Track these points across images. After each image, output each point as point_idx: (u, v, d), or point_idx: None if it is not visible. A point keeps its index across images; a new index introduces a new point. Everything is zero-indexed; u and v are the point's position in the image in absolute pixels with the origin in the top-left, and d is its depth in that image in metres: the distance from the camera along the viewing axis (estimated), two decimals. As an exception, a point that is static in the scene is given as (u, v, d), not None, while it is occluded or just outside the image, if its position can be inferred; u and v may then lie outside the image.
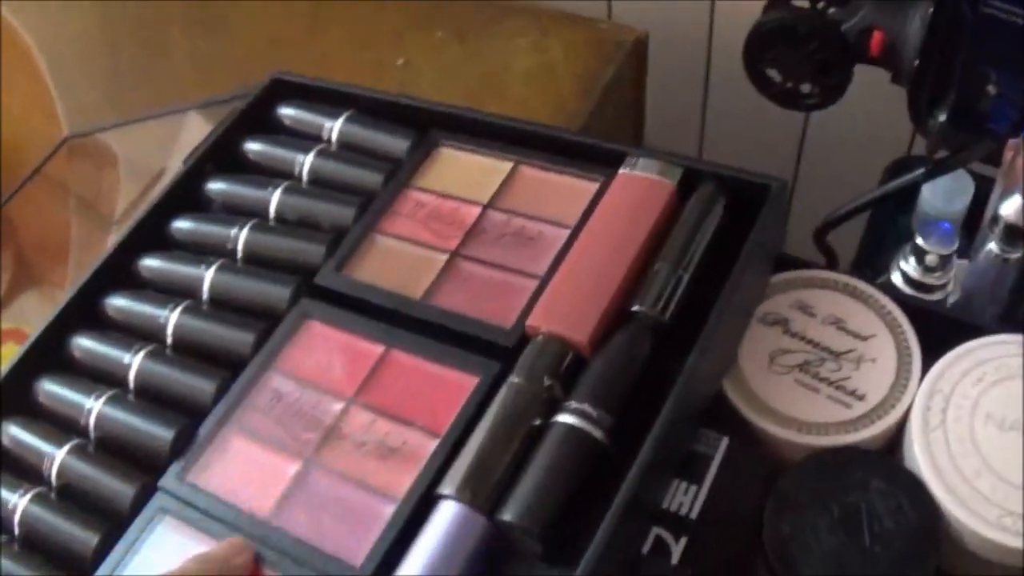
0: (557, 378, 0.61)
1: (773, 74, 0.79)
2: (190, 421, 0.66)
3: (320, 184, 0.74)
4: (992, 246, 0.76)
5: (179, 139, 1.06)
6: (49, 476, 0.68)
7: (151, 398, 0.69)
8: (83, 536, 0.65)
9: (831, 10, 0.75)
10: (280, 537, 0.59)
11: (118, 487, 0.66)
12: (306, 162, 0.75)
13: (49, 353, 0.73)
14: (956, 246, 0.78)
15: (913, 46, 0.70)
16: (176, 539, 0.62)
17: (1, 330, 1.00)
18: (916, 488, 0.63)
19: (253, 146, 0.78)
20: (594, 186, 0.67)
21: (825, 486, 0.63)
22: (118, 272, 0.76)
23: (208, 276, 0.73)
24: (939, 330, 0.69)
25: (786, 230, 0.74)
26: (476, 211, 0.69)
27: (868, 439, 0.66)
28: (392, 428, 0.61)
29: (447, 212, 0.70)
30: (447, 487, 0.57)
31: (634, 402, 0.60)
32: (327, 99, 0.78)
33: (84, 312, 0.75)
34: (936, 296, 0.80)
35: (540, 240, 0.69)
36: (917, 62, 0.70)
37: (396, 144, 0.74)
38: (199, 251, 0.72)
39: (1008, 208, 0.72)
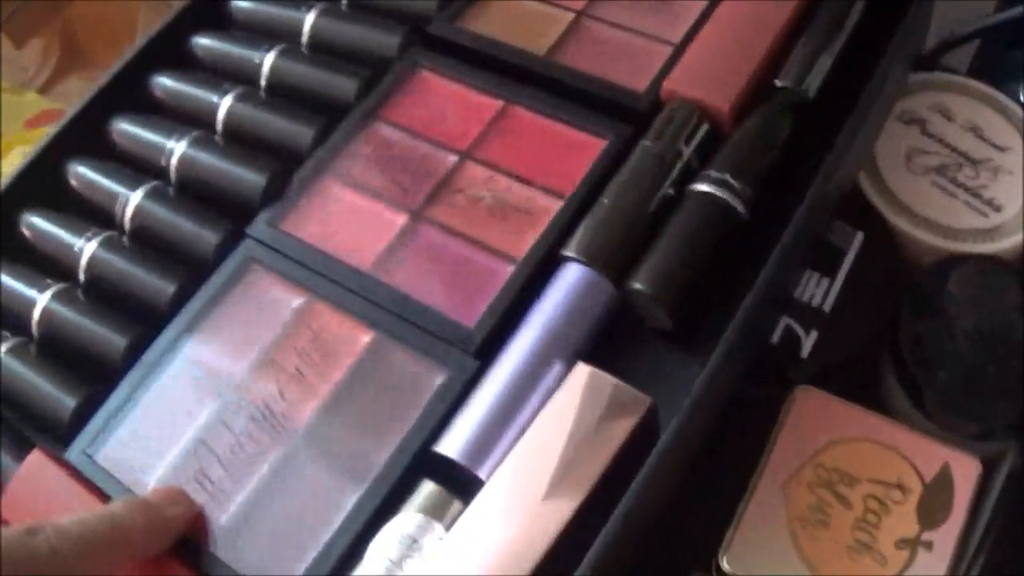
0: (693, 147, 0.53)
1: None
2: (285, 167, 0.61)
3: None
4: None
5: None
6: (122, 220, 0.62)
7: (242, 142, 0.64)
8: (159, 284, 0.59)
9: None
10: (382, 292, 0.54)
11: (201, 233, 0.60)
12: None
13: (129, 93, 0.68)
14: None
15: None
16: (266, 291, 0.58)
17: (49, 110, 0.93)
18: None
19: None
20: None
21: (963, 293, 0.59)
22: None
23: (309, 19, 0.66)
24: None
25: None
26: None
27: (1007, 250, 0.62)
28: (512, 185, 0.55)
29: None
30: (573, 248, 0.52)
31: (772, 181, 0.55)
32: None
33: (168, 53, 0.69)
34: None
35: (674, 5, 0.63)
36: None
37: None
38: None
39: None
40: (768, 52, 0.58)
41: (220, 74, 0.67)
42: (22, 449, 0.54)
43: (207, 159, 0.62)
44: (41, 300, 0.60)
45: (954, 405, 0.56)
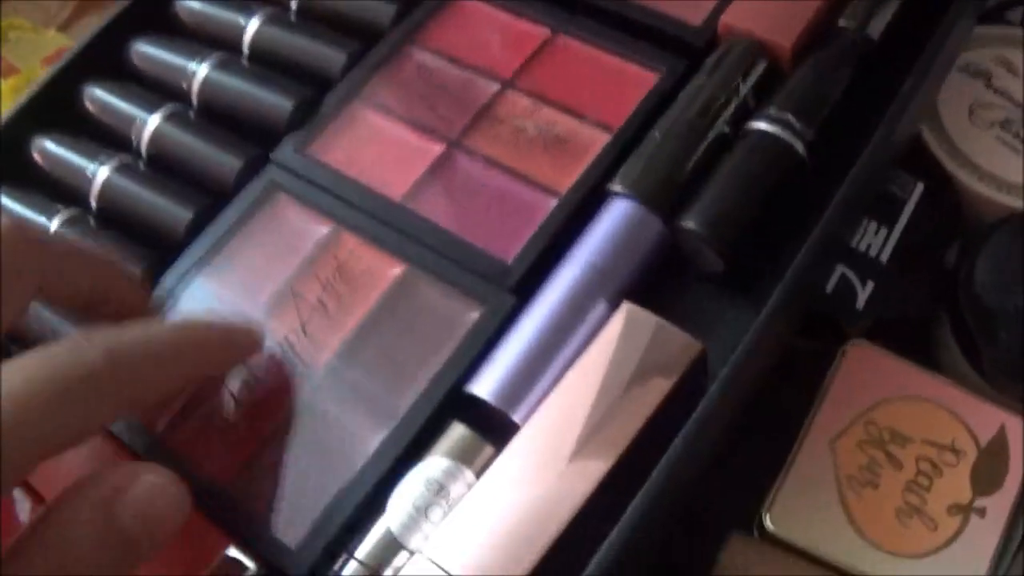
0: (751, 84, 0.50)
1: None
2: (314, 93, 0.58)
3: None
4: None
5: None
6: (139, 144, 0.59)
7: (270, 65, 0.60)
8: (176, 211, 0.56)
9: None
10: (415, 223, 0.51)
11: (222, 157, 0.57)
12: None
13: (151, 16, 0.65)
14: None
15: None
16: (290, 219, 0.55)
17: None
18: None
19: None
20: None
21: (1027, 252, 0.53)
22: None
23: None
24: None
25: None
26: None
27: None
28: (557, 117, 0.52)
29: None
30: (621, 183, 0.49)
31: (834, 125, 0.52)
32: None
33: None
34: None
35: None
36: None
37: None
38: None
39: None
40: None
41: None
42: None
43: (232, 82, 0.59)
44: (50, 228, 0.57)
45: (1013, 367, 0.52)
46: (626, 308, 0.45)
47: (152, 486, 0.38)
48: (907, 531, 0.50)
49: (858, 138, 0.50)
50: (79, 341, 0.38)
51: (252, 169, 0.56)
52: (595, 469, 0.42)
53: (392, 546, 0.44)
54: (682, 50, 0.55)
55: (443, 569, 0.41)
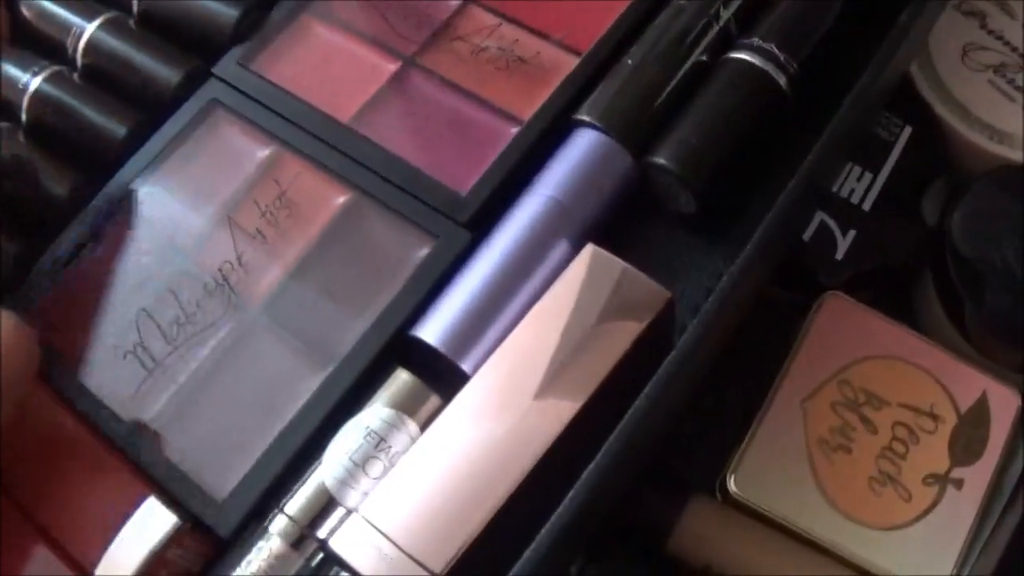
0: (732, 9, 0.45)
1: None
2: (262, 2, 0.53)
3: None
4: None
5: None
6: (74, 54, 0.54)
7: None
8: (109, 126, 0.52)
9: None
10: (364, 148, 0.46)
11: (160, 70, 0.53)
12: None
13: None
14: None
15: None
16: (230, 138, 0.50)
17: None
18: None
19: None
20: None
21: (1017, 206, 0.53)
22: None
23: None
24: None
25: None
26: None
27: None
28: (521, 36, 0.48)
29: None
30: (588, 112, 0.44)
31: (820, 61, 0.48)
32: None
33: None
34: None
35: None
36: None
37: None
38: None
39: None
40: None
41: None
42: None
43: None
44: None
45: (999, 328, 0.49)
46: (590, 250, 0.41)
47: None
48: (879, 501, 0.47)
49: (846, 75, 0.47)
50: None
51: (192, 83, 0.52)
52: (549, 426, 0.38)
53: (327, 503, 0.40)
54: (661, -30, 0.49)
55: (380, 531, 0.36)
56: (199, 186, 0.48)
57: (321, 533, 0.39)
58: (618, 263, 0.40)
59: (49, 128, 0.53)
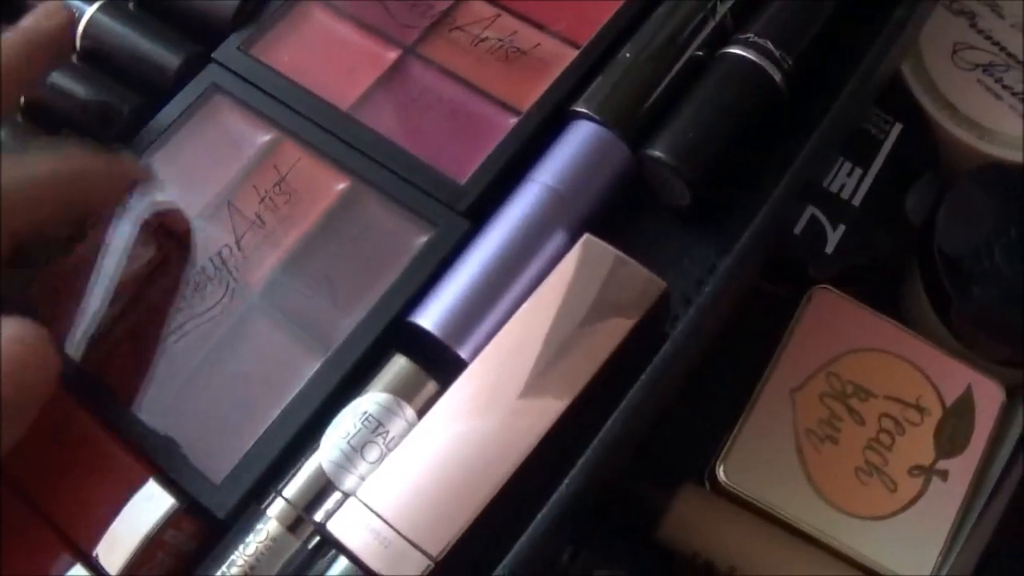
0: (729, 5, 0.46)
1: None
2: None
3: None
4: None
5: None
6: (73, 36, 0.54)
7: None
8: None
9: None
10: (364, 135, 0.47)
11: (160, 54, 0.53)
12: None
13: None
14: None
15: None
16: (230, 124, 0.51)
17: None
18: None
19: None
20: None
21: (1006, 205, 0.54)
22: None
23: None
24: None
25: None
26: None
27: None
28: (521, 28, 0.48)
29: None
30: (586, 104, 0.45)
31: (814, 58, 0.49)
32: None
33: None
34: None
35: None
36: None
37: None
38: None
39: None
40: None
41: None
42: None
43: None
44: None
45: (984, 323, 0.50)
46: (585, 240, 0.41)
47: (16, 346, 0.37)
48: (866, 491, 0.47)
49: (840, 71, 0.47)
50: None
51: (192, 68, 0.52)
52: (545, 414, 0.38)
53: (324, 486, 0.40)
54: (658, -35, 0.50)
55: (378, 515, 0.37)
56: (198, 171, 0.49)
57: (318, 517, 0.39)
58: (612, 251, 0.41)
59: (49, 110, 0.53)
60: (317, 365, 0.43)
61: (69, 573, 0.40)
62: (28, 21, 0.44)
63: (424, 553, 0.37)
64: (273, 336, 0.43)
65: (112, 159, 0.45)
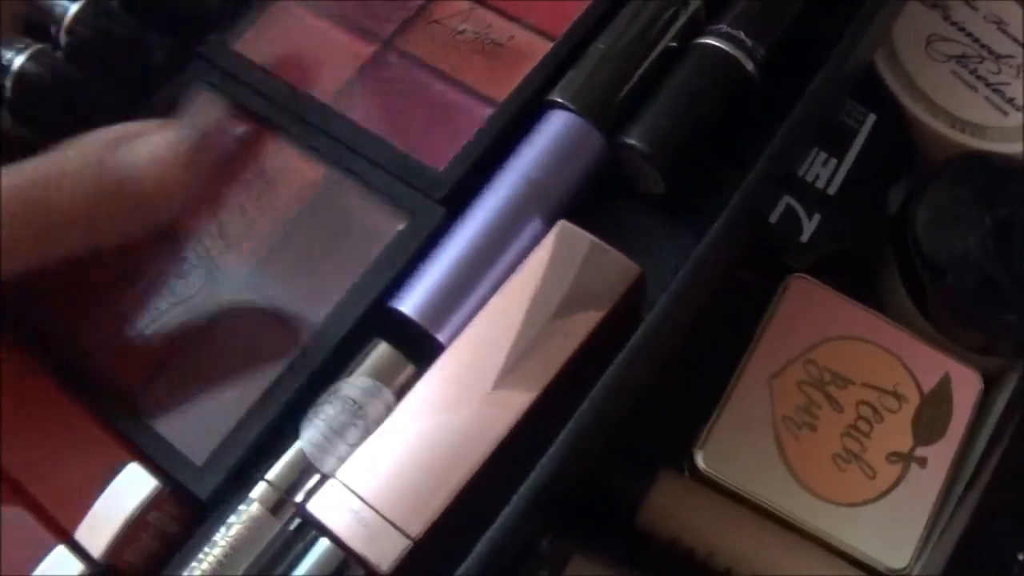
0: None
1: None
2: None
3: None
4: None
5: None
6: (57, 33, 0.53)
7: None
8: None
9: None
10: (342, 125, 0.48)
11: (144, 50, 0.53)
12: None
13: None
14: None
15: None
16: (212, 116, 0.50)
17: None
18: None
19: None
20: None
21: (980, 194, 0.54)
22: None
23: None
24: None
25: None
26: None
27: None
28: (496, 21, 0.49)
29: None
30: (561, 94, 0.46)
31: (786, 48, 0.49)
32: None
33: None
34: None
35: None
36: None
37: None
38: None
39: None
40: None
41: None
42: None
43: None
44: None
45: (960, 312, 0.51)
46: (560, 226, 0.42)
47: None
48: (844, 477, 0.47)
49: (811, 61, 0.48)
50: None
51: (176, 63, 0.53)
52: (521, 396, 0.39)
53: (304, 468, 0.41)
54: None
55: (358, 495, 0.37)
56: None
57: (299, 498, 0.39)
58: (587, 237, 0.42)
59: (31, 107, 0.53)
60: (297, 350, 0.42)
61: (52, 553, 0.39)
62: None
63: (403, 533, 0.37)
64: (255, 320, 0.43)
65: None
